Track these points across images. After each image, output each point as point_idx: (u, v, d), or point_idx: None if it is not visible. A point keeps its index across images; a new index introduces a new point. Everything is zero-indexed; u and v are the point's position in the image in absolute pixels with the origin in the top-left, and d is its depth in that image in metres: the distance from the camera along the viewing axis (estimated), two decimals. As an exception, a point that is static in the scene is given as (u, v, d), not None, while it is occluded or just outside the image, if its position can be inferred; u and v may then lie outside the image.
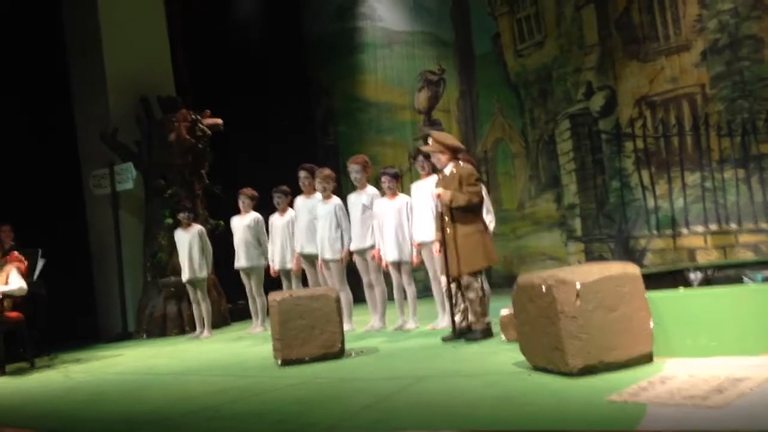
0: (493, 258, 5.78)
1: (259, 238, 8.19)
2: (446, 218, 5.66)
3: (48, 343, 8.13)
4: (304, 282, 7.80)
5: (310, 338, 5.43)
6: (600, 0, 9.24)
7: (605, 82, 9.24)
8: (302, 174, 7.57)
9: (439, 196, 5.64)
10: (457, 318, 5.72)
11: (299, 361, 5.36)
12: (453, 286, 5.69)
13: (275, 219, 7.94)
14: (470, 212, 5.61)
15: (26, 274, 7.32)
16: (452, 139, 5.99)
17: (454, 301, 5.73)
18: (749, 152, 8.09)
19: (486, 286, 5.76)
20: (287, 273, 7.87)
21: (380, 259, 6.88)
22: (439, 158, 5.78)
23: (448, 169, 5.72)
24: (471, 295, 5.60)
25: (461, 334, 5.66)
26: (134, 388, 5.42)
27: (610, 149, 9.23)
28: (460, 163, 5.73)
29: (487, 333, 5.60)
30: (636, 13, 8.92)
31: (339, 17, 12.08)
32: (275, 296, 5.68)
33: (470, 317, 5.69)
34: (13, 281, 6.91)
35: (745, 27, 8.06)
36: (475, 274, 5.61)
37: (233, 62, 11.11)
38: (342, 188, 9.58)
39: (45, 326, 8.08)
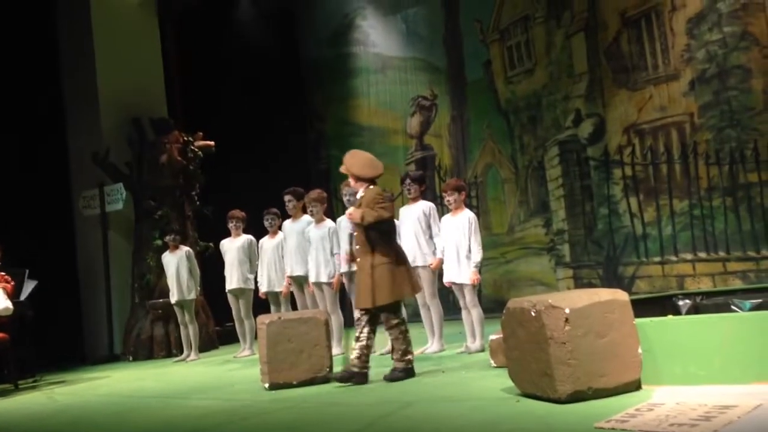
0: (401, 292, 5.24)
1: (251, 259, 8.17)
2: (357, 246, 5.34)
3: (33, 364, 8.04)
4: (293, 305, 7.77)
5: (298, 362, 5.40)
6: (590, 29, 9.36)
7: (594, 110, 9.33)
8: (287, 198, 7.58)
9: (350, 215, 5.37)
10: (353, 355, 5.26)
11: (287, 385, 5.32)
12: (363, 318, 5.28)
13: (265, 241, 7.94)
14: (381, 241, 5.22)
15: (12, 295, 7.25)
16: (360, 166, 5.42)
17: (357, 334, 5.29)
18: (737, 181, 8.17)
19: (392, 318, 5.26)
20: (275, 296, 7.84)
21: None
22: (351, 181, 5.47)
23: (360, 193, 5.43)
24: (391, 332, 5.28)
25: (348, 376, 5.20)
26: (119, 411, 5.36)
27: (599, 176, 9.30)
28: (370, 186, 5.36)
29: (408, 372, 5.22)
30: (625, 43, 9.04)
31: (333, 42, 12.19)
32: (263, 319, 5.66)
33: (393, 355, 5.33)
34: (-1, 301, 6.85)
35: (733, 57, 8.18)
36: (390, 309, 5.21)
37: (226, 85, 11.16)
38: (333, 212, 9.59)
39: (31, 347, 7.99)
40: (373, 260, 5.22)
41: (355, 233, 5.46)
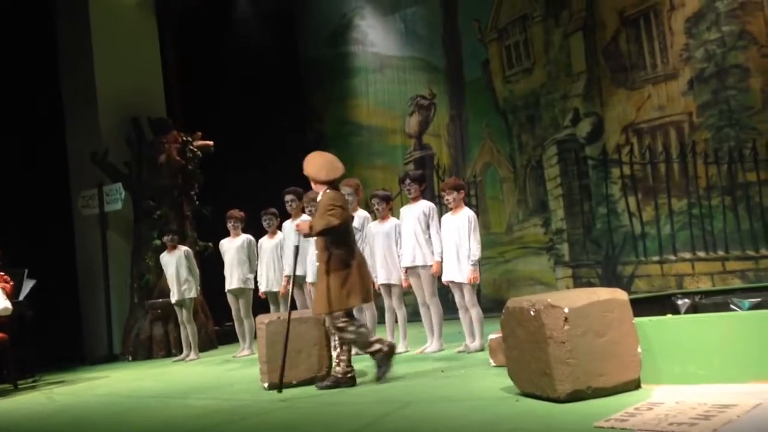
0: (350, 301, 5.10)
1: (251, 259, 8.17)
2: (316, 252, 5.29)
3: (33, 364, 8.03)
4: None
5: (297, 361, 5.39)
6: (588, 28, 9.36)
7: (592, 109, 9.33)
8: (288, 197, 7.58)
9: (297, 227, 5.31)
10: (333, 363, 5.30)
11: (286, 385, 5.32)
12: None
13: (264, 241, 7.95)
14: (335, 248, 5.11)
15: (11, 295, 7.25)
16: (317, 169, 5.27)
17: (333, 343, 5.29)
18: (736, 180, 8.18)
19: (351, 329, 5.14)
20: (274, 295, 7.85)
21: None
22: (312, 184, 5.35)
23: (319, 196, 5.30)
24: (335, 337, 5.20)
25: (334, 384, 5.16)
26: (118, 411, 5.36)
27: (597, 175, 9.30)
28: (327, 190, 5.22)
29: (339, 381, 5.11)
30: (623, 42, 9.04)
31: (332, 42, 12.19)
32: (263, 319, 5.66)
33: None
34: (-2, 302, 6.85)
35: (731, 56, 8.18)
36: (335, 315, 5.11)
37: (225, 84, 11.16)
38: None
39: (30, 347, 7.99)
40: (327, 267, 5.13)
41: (298, 246, 5.49)
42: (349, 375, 5.19)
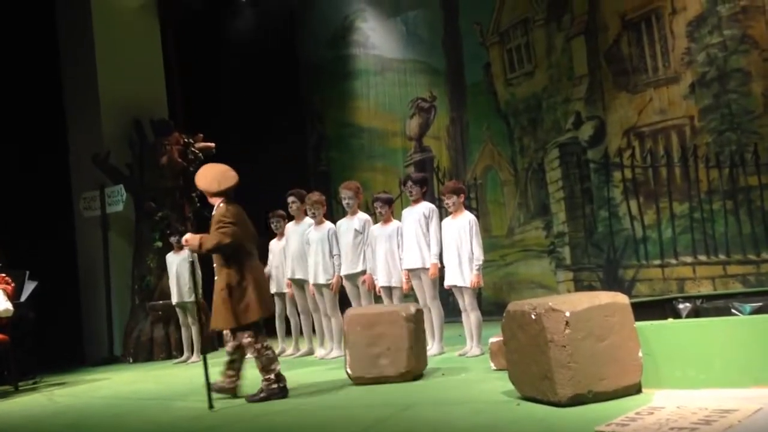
0: (242, 318, 5.02)
1: None
2: (215, 264, 5.20)
3: (33, 365, 8.04)
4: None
5: (379, 360, 5.26)
6: (590, 32, 9.36)
7: (594, 113, 9.33)
8: (290, 199, 7.59)
9: (186, 242, 5.19)
10: (220, 377, 5.27)
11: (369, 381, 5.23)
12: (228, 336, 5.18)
13: (272, 243, 7.97)
14: (230, 263, 5.04)
15: (12, 296, 7.26)
16: (208, 181, 5.19)
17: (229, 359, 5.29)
18: (737, 184, 8.17)
19: (257, 347, 5.10)
20: (282, 296, 7.87)
21: (371, 284, 6.87)
22: (208, 197, 5.25)
23: (215, 210, 5.18)
24: (249, 352, 5.15)
25: (218, 390, 5.18)
26: (119, 413, 5.36)
27: (599, 179, 9.30)
28: (221, 204, 5.15)
29: (273, 392, 5.03)
30: (625, 46, 9.04)
31: (333, 44, 12.20)
32: (348, 312, 5.63)
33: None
34: (-1, 303, 6.86)
35: (733, 60, 8.18)
36: (240, 329, 5.08)
37: (227, 87, 11.17)
38: (333, 213, 9.60)
39: (31, 349, 8.00)
40: (222, 282, 5.08)
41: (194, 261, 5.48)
42: (280, 386, 5.13)
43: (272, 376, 5.08)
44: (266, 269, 7.96)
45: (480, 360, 5.88)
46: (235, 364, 5.29)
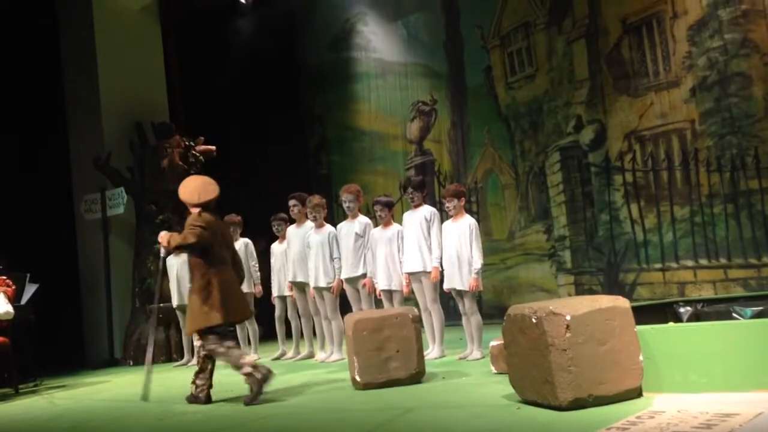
0: (207, 320, 5.17)
1: (249, 263, 8.17)
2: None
3: (34, 368, 8.04)
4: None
5: (386, 362, 5.25)
6: (591, 36, 9.37)
7: (595, 116, 9.33)
8: (292, 203, 7.59)
9: (160, 237, 5.38)
10: (199, 381, 5.38)
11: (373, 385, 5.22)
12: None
13: (275, 246, 7.98)
14: (199, 267, 5.24)
15: (13, 299, 7.26)
16: (189, 193, 5.39)
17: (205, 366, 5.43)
18: (738, 188, 8.17)
19: (221, 350, 5.23)
20: (283, 299, 7.87)
21: (372, 287, 6.87)
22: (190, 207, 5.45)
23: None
24: (216, 358, 5.31)
25: (193, 399, 5.35)
26: (119, 416, 5.36)
27: (600, 182, 9.30)
28: (201, 213, 5.34)
29: (259, 383, 5.09)
30: (626, 50, 9.05)
31: (334, 47, 12.22)
32: (353, 317, 5.61)
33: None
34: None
35: (733, 64, 8.18)
36: (205, 333, 5.24)
37: (228, 90, 11.18)
38: (334, 217, 9.61)
39: (31, 351, 8.00)
40: (194, 286, 5.27)
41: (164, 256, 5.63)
42: (203, 393, 5.29)
43: (248, 368, 5.12)
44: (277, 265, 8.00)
45: (480, 363, 5.88)
46: (203, 373, 5.37)
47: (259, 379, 5.09)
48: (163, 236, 5.33)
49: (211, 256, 5.26)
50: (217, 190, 5.44)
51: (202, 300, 5.17)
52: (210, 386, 5.41)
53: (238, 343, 7.95)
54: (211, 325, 5.19)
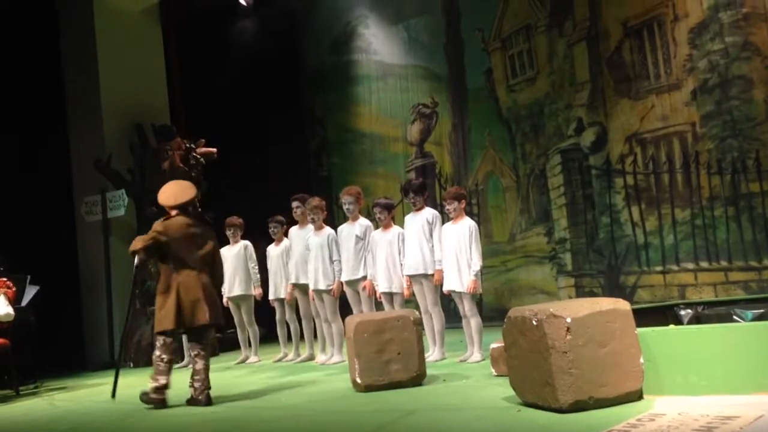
0: (161, 324, 5.38)
1: (249, 265, 8.17)
2: None
3: (34, 370, 8.03)
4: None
5: (388, 363, 5.25)
6: (591, 38, 9.37)
7: (596, 119, 9.33)
8: (294, 204, 7.60)
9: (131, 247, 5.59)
10: (196, 384, 5.48)
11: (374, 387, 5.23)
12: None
13: (271, 249, 7.98)
14: (161, 272, 5.50)
15: (13, 301, 7.26)
16: (165, 197, 5.63)
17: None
18: (739, 190, 8.16)
19: (156, 353, 5.45)
20: (281, 302, 7.86)
21: (372, 290, 6.87)
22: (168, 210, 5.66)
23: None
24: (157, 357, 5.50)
25: (193, 401, 5.44)
26: (119, 417, 5.35)
27: (601, 185, 9.29)
28: (167, 217, 5.60)
29: (147, 400, 5.38)
30: (627, 52, 9.05)
31: (334, 50, 12.22)
32: (354, 318, 5.62)
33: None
34: (0, 307, 6.86)
35: (734, 67, 8.18)
36: (158, 334, 5.47)
37: (229, 92, 11.18)
38: (334, 219, 9.61)
39: (32, 353, 7.99)
40: (157, 290, 5.52)
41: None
42: (202, 395, 5.37)
43: (155, 385, 5.36)
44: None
45: (481, 366, 5.88)
46: (198, 375, 5.45)
47: (151, 399, 5.36)
48: (133, 244, 5.49)
49: (171, 261, 5.41)
50: (194, 193, 5.64)
51: (160, 304, 5.39)
52: (208, 387, 5.42)
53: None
54: (161, 330, 5.38)
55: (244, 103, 11.36)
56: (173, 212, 5.55)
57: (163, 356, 5.40)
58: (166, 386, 5.39)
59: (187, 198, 5.56)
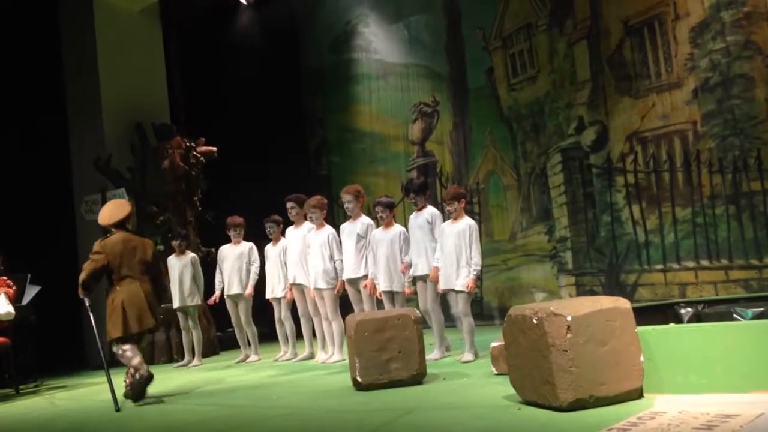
0: (110, 331, 5.74)
1: (251, 266, 8.17)
2: None
3: (34, 369, 8.03)
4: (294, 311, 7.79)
5: (387, 362, 5.23)
6: (592, 37, 9.37)
7: (597, 118, 9.33)
8: (289, 205, 7.60)
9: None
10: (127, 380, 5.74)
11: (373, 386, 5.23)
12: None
13: (268, 249, 7.98)
14: (110, 285, 5.83)
15: (14, 300, 7.26)
16: (103, 217, 6.04)
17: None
18: (740, 189, 8.16)
19: (128, 354, 5.69)
20: (278, 301, 7.86)
21: (373, 288, 6.86)
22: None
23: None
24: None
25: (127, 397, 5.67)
26: (119, 416, 5.35)
27: (601, 183, 9.29)
28: (105, 237, 5.98)
29: (133, 385, 5.62)
30: (628, 51, 9.04)
31: (335, 49, 12.23)
32: (354, 317, 5.61)
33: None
34: (0, 306, 6.86)
35: (736, 66, 8.18)
36: (115, 341, 5.72)
37: (229, 91, 11.18)
38: (335, 218, 9.61)
39: (32, 352, 7.99)
40: (106, 300, 5.86)
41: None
42: (136, 376, 5.61)
43: (131, 372, 5.65)
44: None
45: (481, 364, 5.87)
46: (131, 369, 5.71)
47: (134, 382, 5.59)
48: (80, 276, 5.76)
49: (115, 274, 5.80)
50: (127, 210, 6.06)
51: (108, 313, 5.73)
52: (141, 378, 5.61)
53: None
54: (112, 338, 5.71)
55: (244, 101, 11.36)
56: (113, 230, 5.93)
57: (125, 347, 5.66)
58: (139, 363, 5.61)
59: (122, 216, 5.95)
